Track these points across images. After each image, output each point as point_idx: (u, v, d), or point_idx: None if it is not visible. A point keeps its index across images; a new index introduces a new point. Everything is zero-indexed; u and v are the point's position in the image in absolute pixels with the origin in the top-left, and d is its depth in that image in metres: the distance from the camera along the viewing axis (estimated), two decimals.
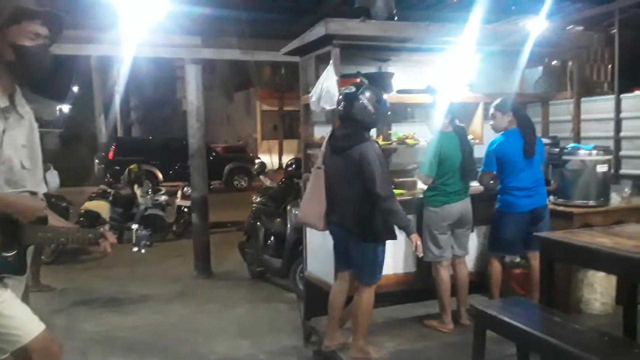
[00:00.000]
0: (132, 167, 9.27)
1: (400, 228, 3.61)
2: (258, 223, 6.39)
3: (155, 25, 6.11)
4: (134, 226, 2.74)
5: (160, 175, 15.74)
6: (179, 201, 9.38)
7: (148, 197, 8.98)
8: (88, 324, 5.31)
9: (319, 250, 4.52)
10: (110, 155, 16.32)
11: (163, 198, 9.36)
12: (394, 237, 3.68)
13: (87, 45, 6.60)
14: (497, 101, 4.47)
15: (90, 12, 5.98)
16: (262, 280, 6.62)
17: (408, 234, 3.60)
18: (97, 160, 17.93)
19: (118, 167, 14.18)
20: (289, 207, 5.88)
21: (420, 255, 3.67)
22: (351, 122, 3.63)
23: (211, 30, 6.76)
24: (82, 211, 8.17)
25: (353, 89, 3.65)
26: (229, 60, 7.35)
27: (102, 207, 8.40)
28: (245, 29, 5.45)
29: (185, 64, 6.92)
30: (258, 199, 6.71)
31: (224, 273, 7.14)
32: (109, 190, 8.98)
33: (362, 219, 3.59)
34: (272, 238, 6.18)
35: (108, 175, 11.33)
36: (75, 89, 23.66)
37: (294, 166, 6.22)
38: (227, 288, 6.50)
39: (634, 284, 3.39)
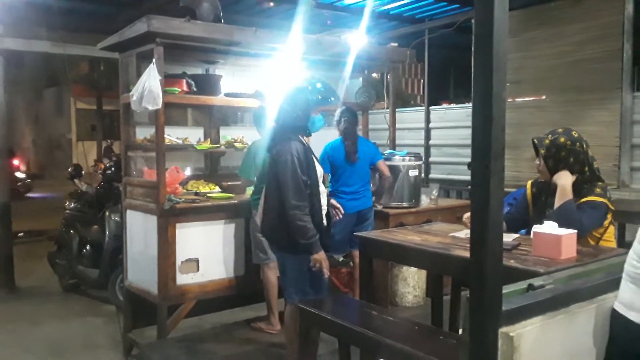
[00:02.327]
0: None
1: (300, 246, 3.18)
2: (71, 231, 5.85)
3: None
4: None
5: None
6: None
7: None
8: None
9: (141, 259, 4.28)
10: None
11: None
12: (314, 249, 3.18)
13: None
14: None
15: None
16: (75, 293, 6.06)
17: (310, 253, 3.19)
18: None
19: None
20: (107, 213, 5.48)
21: (327, 275, 3.29)
22: (276, 120, 3.39)
23: (17, 18, 6.05)
24: None
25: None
26: (39, 52, 6.64)
27: None
28: (57, 19, 4.95)
29: None
30: (72, 205, 6.14)
31: (30, 288, 6.41)
32: None
33: (282, 226, 3.22)
34: (88, 247, 5.71)
35: None
36: None
37: (113, 169, 5.80)
38: (34, 304, 5.84)
39: (440, 277, 3.73)
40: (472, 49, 1.44)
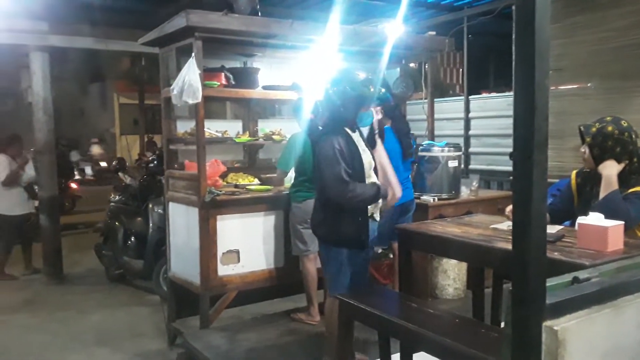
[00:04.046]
0: None
1: (374, 202, 3.17)
2: (117, 223, 6.03)
3: None
4: None
5: None
6: None
7: None
8: None
9: (183, 250, 4.37)
10: None
11: None
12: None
13: None
14: None
15: None
16: (121, 284, 6.26)
17: (384, 199, 3.20)
18: None
19: None
20: (150, 206, 5.61)
21: (391, 204, 3.32)
22: (321, 113, 3.31)
23: (60, 16, 6.22)
24: None
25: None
26: (83, 49, 6.83)
27: None
28: (99, 15, 5.07)
29: (30, 52, 6.31)
30: (117, 198, 6.31)
31: (78, 278, 6.65)
32: None
33: (324, 218, 3.23)
34: (132, 238, 5.87)
35: None
36: None
37: (155, 162, 5.93)
38: (82, 293, 6.05)
39: (481, 269, 3.68)
40: (513, 36, 1.41)
